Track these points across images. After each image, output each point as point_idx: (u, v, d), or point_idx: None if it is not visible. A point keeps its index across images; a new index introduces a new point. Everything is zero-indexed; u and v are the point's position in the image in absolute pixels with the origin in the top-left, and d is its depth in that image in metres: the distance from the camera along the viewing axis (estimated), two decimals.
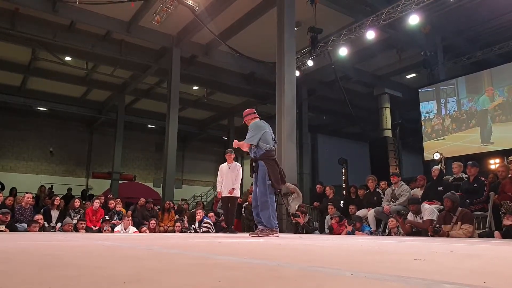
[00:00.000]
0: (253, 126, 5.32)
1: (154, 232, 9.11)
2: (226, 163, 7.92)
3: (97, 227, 8.92)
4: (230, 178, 7.78)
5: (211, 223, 9.21)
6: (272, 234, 5.08)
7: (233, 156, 7.94)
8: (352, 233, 7.54)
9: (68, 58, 15.04)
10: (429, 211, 6.54)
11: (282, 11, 10.05)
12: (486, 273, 1.46)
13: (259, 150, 5.22)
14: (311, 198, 13.04)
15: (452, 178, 7.67)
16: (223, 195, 7.89)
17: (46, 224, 8.60)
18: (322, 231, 8.88)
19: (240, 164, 8.11)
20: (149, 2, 11.29)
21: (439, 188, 7.28)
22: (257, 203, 5.23)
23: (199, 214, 9.18)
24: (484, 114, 12.42)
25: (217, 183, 8.14)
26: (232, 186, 7.76)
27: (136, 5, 11.30)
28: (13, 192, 11.32)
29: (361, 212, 8.22)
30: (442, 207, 6.57)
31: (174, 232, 9.56)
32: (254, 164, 5.26)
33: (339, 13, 11.96)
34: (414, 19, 10.23)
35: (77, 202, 9.50)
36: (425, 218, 6.53)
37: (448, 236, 5.88)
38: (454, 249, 2.95)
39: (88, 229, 8.65)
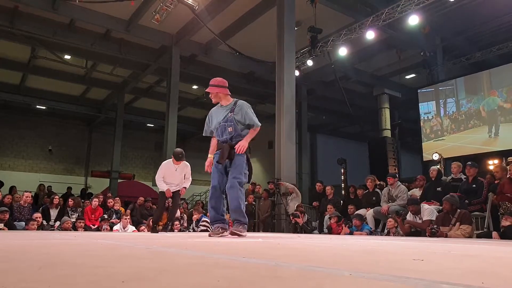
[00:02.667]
0: (246, 106, 4.42)
1: None
2: (172, 164, 6.89)
3: (95, 226, 8.92)
4: (178, 178, 7.02)
5: (209, 222, 9.21)
6: (222, 233, 4.27)
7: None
8: (351, 233, 7.55)
9: (67, 57, 15.03)
10: (429, 211, 6.55)
11: (282, 10, 10.05)
12: (484, 273, 1.47)
13: (237, 136, 4.32)
14: (310, 198, 13.04)
15: (450, 178, 7.67)
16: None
17: (44, 222, 8.61)
18: (321, 231, 8.89)
19: (188, 163, 7.13)
20: (149, 1, 11.28)
21: (437, 189, 7.29)
22: (220, 196, 4.39)
23: (196, 214, 9.23)
24: (493, 114, 12.37)
25: (158, 181, 6.94)
26: (182, 186, 7.11)
27: (135, 3, 11.29)
28: (12, 190, 11.30)
29: (360, 212, 8.23)
30: (441, 207, 6.58)
31: (173, 231, 9.55)
32: (230, 149, 4.25)
33: (339, 13, 11.97)
34: (414, 20, 10.25)
35: (75, 201, 9.49)
36: (424, 219, 6.53)
37: (446, 236, 5.89)
38: (453, 249, 2.96)
39: (86, 228, 8.65)
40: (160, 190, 7.03)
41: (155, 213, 7.37)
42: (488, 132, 12.30)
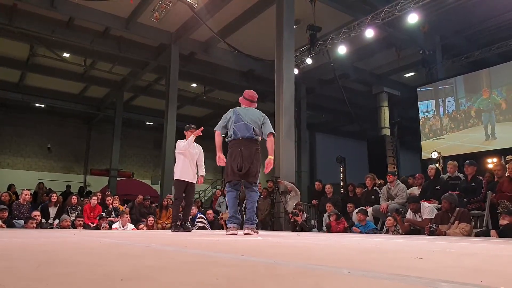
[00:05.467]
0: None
1: (151, 229, 9.11)
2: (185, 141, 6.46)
3: (94, 224, 8.92)
4: (194, 161, 6.51)
5: (206, 218, 9.24)
6: (226, 231, 4.92)
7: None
8: (350, 228, 7.53)
9: (66, 55, 15.00)
10: (429, 209, 6.56)
11: (281, 8, 10.03)
12: (483, 272, 1.47)
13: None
14: (309, 196, 13.05)
15: (447, 177, 7.67)
16: (183, 179, 6.40)
17: (43, 220, 8.60)
18: (320, 229, 8.90)
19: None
20: None
21: (436, 187, 7.30)
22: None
23: (192, 211, 9.28)
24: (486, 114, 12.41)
25: (183, 148, 6.37)
26: (199, 173, 6.58)
27: (135, 1, 11.26)
28: (11, 188, 11.28)
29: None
30: (440, 206, 6.59)
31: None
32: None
33: (338, 11, 11.95)
34: (413, 18, 10.24)
35: (74, 199, 9.49)
36: (424, 217, 6.54)
37: (445, 235, 5.90)
38: (451, 247, 2.96)
39: (85, 226, 8.65)
40: (176, 178, 6.40)
41: (175, 208, 6.62)
42: (485, 134, 12.34)
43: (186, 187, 6.44)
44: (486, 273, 1.43)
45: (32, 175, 19.45)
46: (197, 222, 9.12)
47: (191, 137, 6.37)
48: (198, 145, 6.70)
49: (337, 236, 5.46)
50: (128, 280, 1.12)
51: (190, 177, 6.45)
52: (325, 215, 8.66)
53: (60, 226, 8.39)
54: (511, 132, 11.62)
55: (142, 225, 9.08)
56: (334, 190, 9.54)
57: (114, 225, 8.78)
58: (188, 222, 6.79)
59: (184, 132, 6.58)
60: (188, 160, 6.42)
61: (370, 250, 2.66)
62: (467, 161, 7.07)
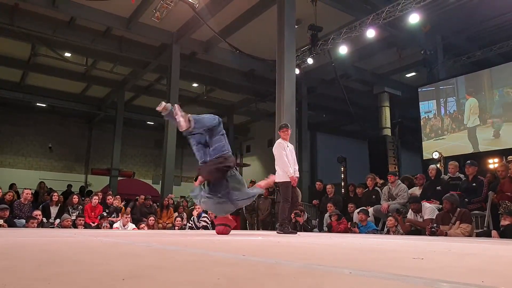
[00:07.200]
0: None
1: (152, 229, 9.13)
2: (283, 141, 6.10)
3: (95, 224, 8.93)
4: (292, 159, 6.06)
5: (210, 218, 9.29)
6: None
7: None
8: (352, 227, 7.52)
9: (67, 54, 15.00)
10: (430, 210, 6.56)
11: (282, 8, 10.03)
12: (484, 272, 1.47)
13: None
14: (310, 196, 13.05)
15: (448, 177, 7.67)
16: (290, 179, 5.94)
17: (44, 220, 8.61)
18: (321, 229, 8.90)
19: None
20: None
21: (437, 187, 7.29)
22: None
23: (197, 210, 9.34)
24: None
25: (285, 165, 5.89)
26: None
27: (136, 1, 11.27)
28: (13, 187, 11.29)
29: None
30: (441, 206, 6.59)
31: (173, 228, 9.59)
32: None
33: (339, 11, 11.93)
34: (414, 18, 10.22)
35: (75, 199, 9.50)
36: (425, 217, 6.54)
37: (446, 235, 5.90)
38: (452, 248, 2.96)
39: (86, 226, 8.66)
40: (283, 180, 5.90)
41: (288, 209, 6.05)
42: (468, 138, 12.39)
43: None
44: (487, 274, 1.43)
45: (33, 175, 19.46)
46: (201, 220, 9.18)
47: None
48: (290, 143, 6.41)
49: (338, 236, 5.46)
50: (129, 279, 1.12)
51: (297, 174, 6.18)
52: (326, 215, 8.66)
53: (61, 226, 8.41)
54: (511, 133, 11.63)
55: (143, 225, 9.09)
56: (335, 190, 9.54)
57: (115, 225, 8.80)
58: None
59: (279, 132, 6.28)
60: (290, 160, 6.08)
61: (371, 250, 2.66)
62: (468, 162, 7.07)
